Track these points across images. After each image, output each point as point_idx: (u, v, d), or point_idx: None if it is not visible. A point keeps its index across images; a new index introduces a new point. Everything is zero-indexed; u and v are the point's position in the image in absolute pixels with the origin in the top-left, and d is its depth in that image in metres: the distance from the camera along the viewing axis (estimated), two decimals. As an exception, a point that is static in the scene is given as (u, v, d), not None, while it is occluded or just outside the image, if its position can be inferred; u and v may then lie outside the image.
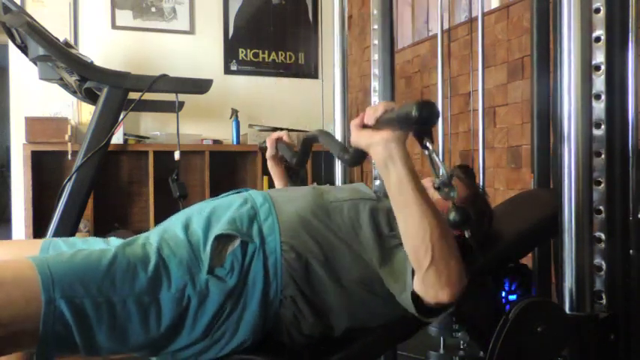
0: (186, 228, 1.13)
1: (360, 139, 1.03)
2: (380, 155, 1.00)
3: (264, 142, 1.68)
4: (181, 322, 1.03)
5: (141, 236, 1.15)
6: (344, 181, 1.90)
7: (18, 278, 0.96)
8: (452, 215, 0.92)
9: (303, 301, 1.10)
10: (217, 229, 1.10)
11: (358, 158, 1.14)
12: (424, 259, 0.98)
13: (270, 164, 1.68)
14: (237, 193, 1.26)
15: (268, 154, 1.65)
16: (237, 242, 1.08)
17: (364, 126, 1.03)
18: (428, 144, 0.94)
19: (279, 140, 1.61)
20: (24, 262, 1.00)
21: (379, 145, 0.99)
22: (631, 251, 1.06)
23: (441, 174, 0.91)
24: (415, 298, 1.02)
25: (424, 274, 0.99)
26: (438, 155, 0.93)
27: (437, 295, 0.99)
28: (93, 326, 0.97)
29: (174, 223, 1.17)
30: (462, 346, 2.08)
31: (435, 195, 1.00)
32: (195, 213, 1.18)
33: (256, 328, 1.08)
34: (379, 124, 1.00)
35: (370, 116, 1.02)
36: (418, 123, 0.90)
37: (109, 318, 0.98)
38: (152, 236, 1.12)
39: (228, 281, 1.06)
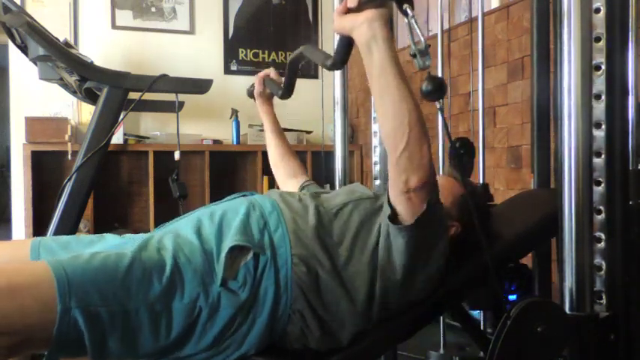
0: (199, 233, 1.11)
1: (343, 23, 1.01)
2: (363, 36, 0.98)
3: (252, 85, 1.68)
4: (190, 332, 1.02)
5: (154, 237, 1.12)
6: (344, 181, 1.90)
7: (34, 284, 0.94)
8: (425, 84, 0.88)
9: (312, 316, 1.08)
10: (230, 239, 1.08)
11: (342, 54, 1.09)
12: (400, 141, 0.99)
13: (258, 102, 1.69)
14: (243, 196, 1.25)
15: (256, 91, 1.66)
16: (250, 255, 1.06)
17: (348, 12, 1.01)
18: (408, 10, 0.91)
19: (266, 77, 1.62)
20: (40, 267, 0.98)
21: (363, 24, 0.98)
22: (630, 202, 1.06)
23: (417, 41, 0.89)
24: (394, 214, 1.06)
25: (398, 159, 1.01)
26: (417, 23, 0.91)
27: (408, 179, 1.02)
28: (105, 334, 0.96)
29: (184, 227, 1.14)
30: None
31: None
32: (206, 217, 1.15)
33: (262, 340, 1.07)
34: (362, 6, 0.98)
35: None
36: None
37: (122, 326, 0.97)
38: (165, 240, 1.09)
39: (241, 295, 1.04)
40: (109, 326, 0.96)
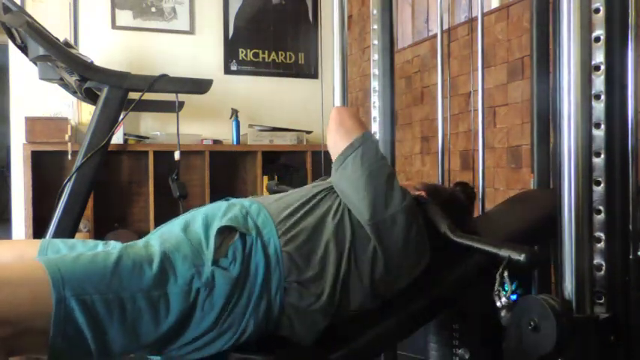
0: (185, 230, 1.16)
1: None
2: None
3: None
4: (190, 315, 1.04)
5: (140, 240, 1.17)
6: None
7: (27, 277, 0.96)
8: (503, 314, 1.02)
9: (308, 281, 1.13)
10: (217, 223, 1.13)
11: None
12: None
13: None
14: (225, 200, 1.30)
15: None
16: (236, 236, 1.11)
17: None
18: (506, 276, 1.04)
19: None
20: (32, 263, 1.00)
21: None
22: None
23: (506, 298, 1.02)
24: None
25: None
26: (509, 281, 1.04)
27: None
28: (104, 325, 0.97)
29: (170, 228, 1.20)
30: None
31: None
32: (190, 218, 1.21)
33: (261, 318, 1.09)
34: None
35: None
36: (522, 267, 1.03)
37: (119, 315, 0.98)
38: (151, 240, 1.14)
39: (232, 270, 1.08)
40: (107, 316, 0.97)
